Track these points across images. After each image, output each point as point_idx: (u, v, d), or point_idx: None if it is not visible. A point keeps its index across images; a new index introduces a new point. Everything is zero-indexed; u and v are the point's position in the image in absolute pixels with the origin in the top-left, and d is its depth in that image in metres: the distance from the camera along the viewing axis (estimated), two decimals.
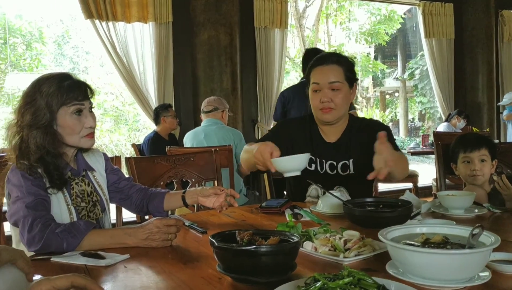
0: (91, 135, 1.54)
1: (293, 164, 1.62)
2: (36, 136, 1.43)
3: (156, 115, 4.35)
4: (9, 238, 1.64)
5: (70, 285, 0.77)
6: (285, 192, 2.46)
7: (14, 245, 1.50)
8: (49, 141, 1.44)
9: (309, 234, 1.24)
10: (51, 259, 1.22)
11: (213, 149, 2.52)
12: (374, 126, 2.01)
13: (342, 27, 13.38)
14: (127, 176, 1.85)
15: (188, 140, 3.59)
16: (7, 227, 1.74)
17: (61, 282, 0.77)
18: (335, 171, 1.97)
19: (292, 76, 11.80)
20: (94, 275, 1.10)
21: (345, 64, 1.95)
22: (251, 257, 0.95)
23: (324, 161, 1.99)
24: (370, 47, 15.07)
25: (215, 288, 0.98)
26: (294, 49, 12.15)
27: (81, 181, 1.58)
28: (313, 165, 2.00)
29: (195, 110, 5.02)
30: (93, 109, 1.57)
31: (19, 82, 7.44)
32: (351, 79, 1.96)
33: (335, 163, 1.98)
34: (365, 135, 1.97)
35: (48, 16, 8.13)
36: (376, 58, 16.11)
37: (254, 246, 0.95)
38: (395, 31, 14.37)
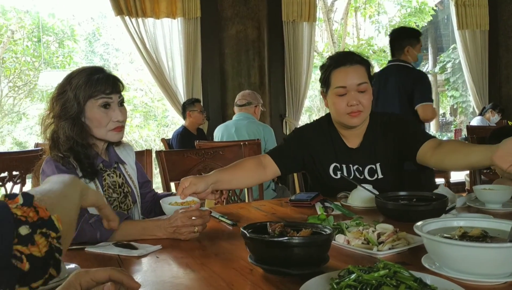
0: (119, 129, 1.55)
1: None
2: (64, 127, 1.47)
3: (183, 110, 4.40)
4: None
5: (108, 278, 0.77)
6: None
7: None
8: (76, 132, 1.48)
9: (341, 227, 1.23)
10: (86, 249, 1.25)
11: (241, 143, 2.52)
12: (398, 124, 1.90)
13: (371, 20, 13.16)
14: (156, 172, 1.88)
15: (219, 133, 3.60)
16: None
17: (99, 275, 0.77)
18: (362, 176, 1.90)
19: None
20: (127, 265, 1.11)
21: (366, 63, 1.86)
22: (283, 249, 0.94)
23: (351, 165, 1.90)
24: None
25: (246, 279, 0.98)
26: (322, 43, 12.02)
27: (113, 172, 1.61)
28: (339, 173, 1.90)
29: (223, 105, 5.04)
30: (124, 104, 1.59)
31: (52, 79, 7.63)
32: (371, 78, 1.87)
33: (361, 168, 1.89)
34: (390, 135, 1.88)
35: (79, 14, 8.31)
36: None
37: (286, 238, 0.94)
38: (426, 24, 14.03)
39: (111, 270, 0.78)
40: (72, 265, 1.05)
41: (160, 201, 1.54)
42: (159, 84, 4.87)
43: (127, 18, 4.61)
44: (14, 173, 2.85)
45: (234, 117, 3.67)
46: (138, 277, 1.04)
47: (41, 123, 1.53)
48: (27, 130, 8.18)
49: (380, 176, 1.87)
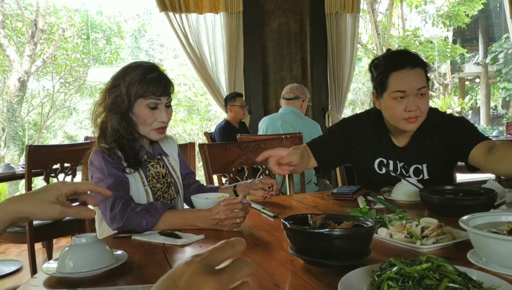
0: (161, 130, 1.60)
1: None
2: (113, 120, 1.52)
3: (225, 104, 4.45)
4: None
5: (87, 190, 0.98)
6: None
7: (96, 224, 1.61)
8: (123, 126, 1.53)
9: (383, 221, 1.21)
10: (132, 237, 1.29)
11: (283, 136, 2.52)
12: (449, 125, 1.82)
13: (417, 10, 12.77)
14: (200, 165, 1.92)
15: (264, 125, 3.60)
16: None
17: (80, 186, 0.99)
18: (407, 175, 1.86)
19: (364, 63, 11.47)
20: (171, 253, 1.15)
21: (425, 65, 1.78)
22: (324, 240, 0.94)
23: (398, 162, 1.87)
24: (448, 30, 14.24)
25: (287, 270, 0.99)
26: (366, 35, 11.78)
27: (157, 163, 1.66)
28: (384, 169, 1.87)
29: (264, 99, 5.05)
30: (171, 105, 1.62)
31: (100, 75, 7.90)
32: (428, 80, 1.79)
33: (406, 166, 1.85)
34: (440, 136, 1.82)
35: (125, 11, 8.54)
36: (454, 42, 15.19)
37: (327, 229, 0.94)
38: (476, 13, 13.46)
39: (89, 184, 1.02)
40: (119, 252, 1.09)
41: (192, 198, 1.57)
42: (202, 78, 4.94)
43: (171, 14, 4.70)
44: (66, 165, 2.99)
45: (280, 110, 3.66)
46: None
47: (93, 111, 1.60)
48: (77, 124, 8.51)
49: (426, 177, 1.82)
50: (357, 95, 11.55)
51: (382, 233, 1.15)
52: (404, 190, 1.63)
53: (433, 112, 1.86)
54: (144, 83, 1.52)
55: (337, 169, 2.67)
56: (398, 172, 1.84)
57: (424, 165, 1.83)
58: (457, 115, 2.01)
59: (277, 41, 4.95)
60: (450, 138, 1.78)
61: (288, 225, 0.99)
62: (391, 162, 1.87)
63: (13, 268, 3.48)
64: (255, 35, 5.00)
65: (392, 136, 1.89)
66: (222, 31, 4.92)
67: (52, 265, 1.03)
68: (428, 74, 1.79)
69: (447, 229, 1.12)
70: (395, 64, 1.73)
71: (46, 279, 0.99)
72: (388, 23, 11.79)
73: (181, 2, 4.70)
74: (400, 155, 1.86)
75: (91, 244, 1.01)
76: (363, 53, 11.70)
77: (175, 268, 0.46)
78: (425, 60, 1.81)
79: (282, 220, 1.03)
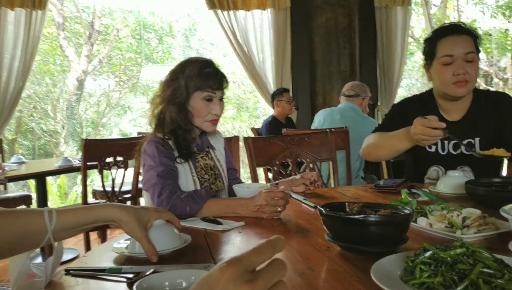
0: (214, 121, 1.67)
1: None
2: (171, 111, 1.61)
3: (272, 100, 4.47)
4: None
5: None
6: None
7: None
8: (181, 117, 1.61)
9: (424, 211, 1.19)
10: None
11: (328, 130, 2.52)
12: (503, 102, 1.85)
13: (474, 2, 12.21)
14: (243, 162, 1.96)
15: (321, 116, 3.56)
16: None
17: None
18: (458, 151, 1.84)
19: (417, 58, 11.12)
20: (212, 238, 1.19)
21: (474, 34, 1.83)
22: (360, 226, 0.94)
23: (446, 141, 1.87)
24: (509, 22, 13.52)
25: (323, 256, 1.00)
26: (419, 28, 11.42)
27: (205, 156, 1.72)
28: (433, 147, 1.88)
29: (312, 94, 5.03)
30: (224, 99, 1.69)
31: (152, 74, 8.15)
32: (478, 50, 1.82)
33: (458, 142, 1.84)
34: (493, 111, 1.83)
35: (176, 11, 8.75)
36: None
37: (363, 215, 0.95)
38: None
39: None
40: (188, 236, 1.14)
41: (234, 187, 1.62)
42: (250, 75, 4.99)
43: (219, 11, 4.78)
44: (119, 158, 3.13)
45: (340, 105, 3.63)
46: (221, 249, 1.11)
47: (151, 101, 1.69)
48: (131, 122, 8.83)
49: (478, 150, 1.79)
50: (410, 91, 11.20)
51: (421, 223, 1.14)
52: (450, 183, 1.60)
53: (486, 89, 1.90)
54: (201, 77, 1.60)
55: (384, 164, 2.62)
56: (446, 152, 1.85)
57: (477, 139, 1.83)
58: None
59: (324, 36, 4.92)
60: (500, 115, 1.79)
61: (324, 211, 1.00)
62: (439, 140, 1.86)
63: (70, 256, 3.68)
64: (303, 31, 4.99)
65: (444, 111, 1.91)
66: (269, 27, 4.95)
67: (122, 245, 1.10)
68: (479, 45, 1.83)
69: (491, 220, 1.09)
70: (442, 32, 1.81)
71: (116, 257, 1.06)
72: (442, 16, 11.36)
73: (229, 0, 4.77)
74: (452, 129, 1.84)
75: (161, 226, 1.07)
76: (416, 47, 11.34)
77: (211, 272, 0.46)
78: (474, 30, 1.85)
79: (318, 206, 1.04)
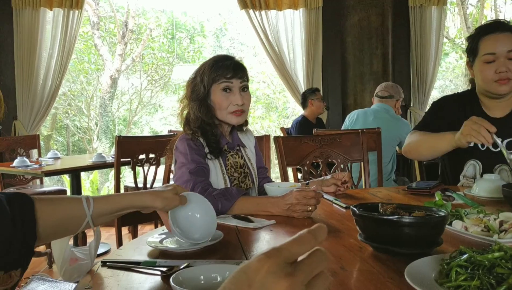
0: (238, 112, 1.65)
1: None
2: (194, 108, 1.64)
3: (304, 99, 4.44)
4: None
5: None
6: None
7: None
8: (203, 112, 1.63)
9: (459, 214, 1.17)
10: None
11: (359, 130, 2.49)
12: None
13: None
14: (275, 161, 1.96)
15: (355, 116, 3.55)
16: None
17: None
18: (498, 149, 1.79)
19: (451, 59, 10.87)
20: (243, 236, 1.20)
21: None
22: (394, 227, 0.93)
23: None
24: None
25: (356, 256, 0.99)
26: (454, 28, 11.16)
27: (235, 154, 1.73)
28: (472, 142, 1.84)
29: (343, 95, 4.99)
30: (247, 90, 1.69)
31: (184, 73, 8.25)
32: None
33: (500, 139, 1.79)
34: None
35: (208, 10, 8.83)
36: None
37: (396, 216, 0.94)
38: None
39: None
40: (219, 232, 1.16)
41: (265, 185, 1.62)
42: (280, 75, 4.99)
43: (251, 11, 4.80)
44: (151, 155, 3.19)
45: (373, 106, 3.61)
46: (253, 246, 1.12)
47: (179, 102, 1.74)
48: (162, 121, 8.96)
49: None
50: (443, 93, 10.95)
51: (457, 226, 1.11)
52: (486, 186, 1.56)
53: None
54: (214, 69, 1.62)
55: (416, 166, 2.58)
56: (484, 148, 1.82)
57: None
58: None
59: (357, 36, 4.87)
60: None
61: (357, 211, 1.00)
62: None
63: (102, 250, 3.77)
64: (334, 31, 4.96)
65: (487, 109, 1.90)
66: (301, 27, 4.94)
67: (156, 239, 1.14)
68: None
69: None
70: (485, 30, 1.81)
71: (150, 251, 1.08)
72: (479, 16, 11.07)
73: (261, 0, 4.78)
74: (495, 126, 1.80)
75: (196, 218, 1.10)
76: (450, 48, 11.09)
77: (250, 262, 0.45)
78: None
79: (351, 206, 1.03)
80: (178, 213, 1.09)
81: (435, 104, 2.10)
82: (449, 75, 10.83)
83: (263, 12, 4.83)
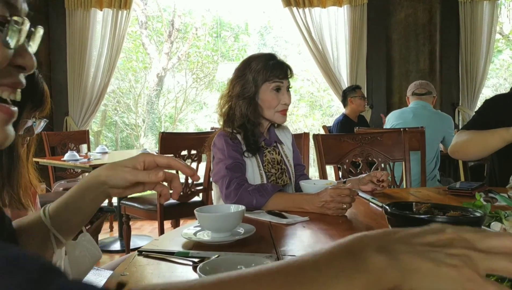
0: (284, 112, 1.71)
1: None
2: (241, 106, 1.67)
3: (344, 97, 4.37)
4: None
5: (167, 164, 0.84)
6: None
7: (214, 199, 1.76)
8: (251, 111, 1.67)
9: (499, 215, 1.13)
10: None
11: (401, 129, 2.44)
12: None
13: None
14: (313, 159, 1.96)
15: (394, 118, 3.52)
16: None
17: (160, 159, 0.85)
18: None
19: (505, 56, 10.39)
20: (276, 231, 1.21)
21: None
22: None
23: None
24: None
25: None
26: (509, 24, 10.65)
27: (273, 150, 1.75)
28: None
29: (388, 93, 4.90)
30: (290, 90, 1.73)
31: (228, 71, 8.34)
32: None
33: None
34: None
35: (253, 9, 8.88)
36: None
37: (428, 215, 0.92)
38: None
39: (171, 158, 0.85)
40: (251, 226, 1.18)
41: (300, 183, 1.62)
42: (324, 72, 4.96)
43: (294, 9, 4.79)
44: (193, 151, 3.26)
45: (411, 105, 3.55)
46: (284, 242, 1.13)
47: (219, 99, 1.77)
48: (207, 118, 9.10)
49: None
50: (497, 92, 10.49)
51: (495, 228, 1.08)
52: None
53: None
54: (268, 68, 1.66)
55: (461, 167, 2.51)
56: None
57: None
58: None
59: (403, 32, 4.76)
60: None
61: (389, 209, 0.99)
62: None
63: (146, 243, 3.89)
64: (380, 27, 4.86)
65: None
66: (345, 24, 4.88)
67: (191, 231, 1.17)
68: None
69: None
70: None
71: (185, 242, 1.12)
72: None
73: None
74: None
75: (227, 215, 1.13)
76: (505, 44, 10.59)
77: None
78: None
79: (384, 205, 1.02)
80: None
81: (488, 102, 2.02)
82: (503, 73, 10.35)
83: (306, 10, 4.81)
